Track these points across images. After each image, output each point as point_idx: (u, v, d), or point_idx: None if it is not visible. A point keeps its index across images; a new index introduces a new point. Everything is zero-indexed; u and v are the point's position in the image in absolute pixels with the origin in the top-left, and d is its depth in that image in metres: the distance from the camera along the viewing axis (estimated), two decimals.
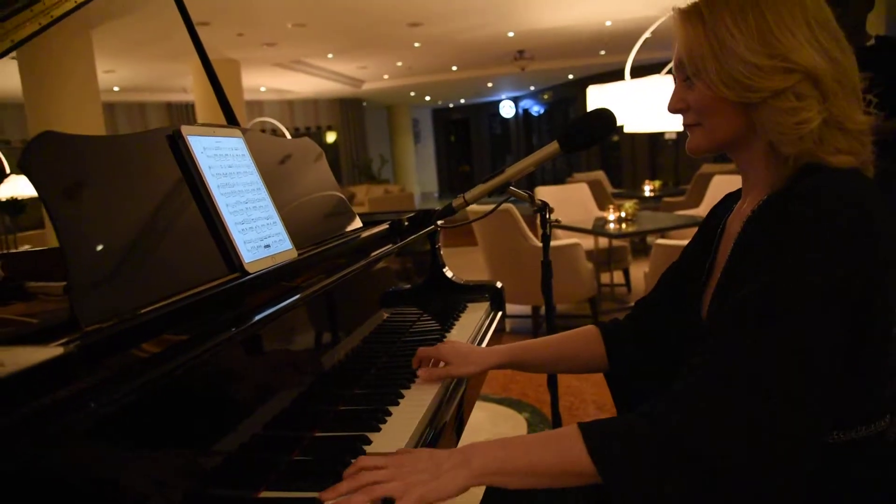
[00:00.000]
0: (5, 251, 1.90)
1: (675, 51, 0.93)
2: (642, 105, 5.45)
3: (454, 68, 12.53)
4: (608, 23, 8.73)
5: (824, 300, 0.73)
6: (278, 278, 1.13)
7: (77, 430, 0.60)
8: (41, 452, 0.55)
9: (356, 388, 1.25)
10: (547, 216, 1.71)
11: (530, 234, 4.28)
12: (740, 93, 0.84)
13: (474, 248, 4.63)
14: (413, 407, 1.14)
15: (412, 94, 15.64)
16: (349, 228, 1.59)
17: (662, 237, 4.60)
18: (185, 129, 1.09)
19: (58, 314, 1.20)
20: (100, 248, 0.84)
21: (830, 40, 0.84)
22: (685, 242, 1.18)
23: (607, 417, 0.83)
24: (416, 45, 9.52)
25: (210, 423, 0.83)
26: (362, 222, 1.68)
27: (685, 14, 0.90)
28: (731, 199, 1.06)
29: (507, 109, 18.52)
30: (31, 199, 6.91)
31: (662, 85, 5.52)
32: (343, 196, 1.66)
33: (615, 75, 11.52)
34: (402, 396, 1.18)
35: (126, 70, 9.63)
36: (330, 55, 10.04)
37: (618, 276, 5.59)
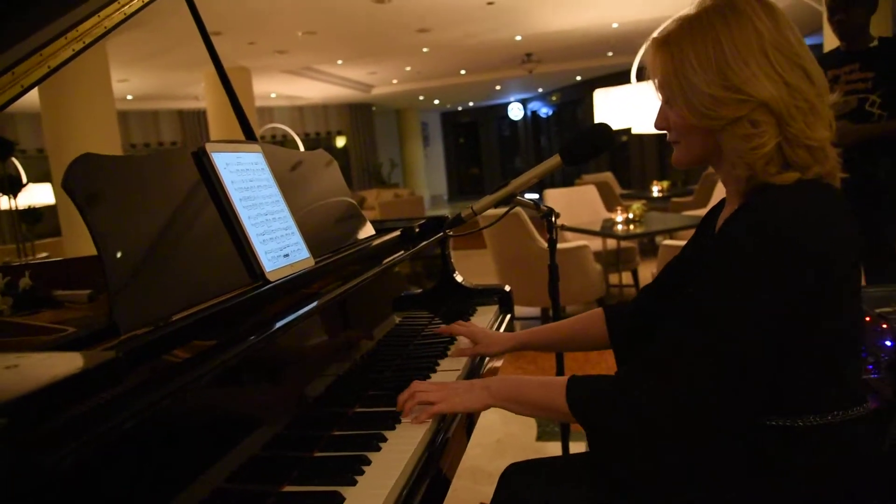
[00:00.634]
0: (25, 259, 1.97)
1: (652, 75, 1.03)
2: (648, 107, 5.49)
3: (462, 72, 12.61)
4: (615, 25, 8.77)
5: (749, 311, 0.86)
6: (298, 286, 1.19)
7: (127, 429, 0.66)
8: (100, 448, 0.61)
9: (371, 389, 1.31)
10: (553, 221, 1.77)
11: (538, 237, 4.34)
12: (702, 120, 0.94)
13: (483, 251, 4.69)
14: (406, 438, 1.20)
15: (421, 98, 15.73)
16: (362, 236, 1.65)
17: (670, 238, 4.63)
18: (209, 147, 1.16)
19: (89, 321, 1.28)
20: (135, 260, 0.91)
21: (789, 66, 0.91)
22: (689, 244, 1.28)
23: (586, 376, 1.03)
24: (425, 50, 9.60)
25: (240, 422, 0.89)
26: (374, 230, 1.74)
27: (657, 44, 1.00)
28: (723, 203, 1.14)
29: (515, 111, 18.58)
30: (48, 208, 7.05)
31: None
32: (356, 204, 1.73)
33: (622, 76, 11.57)
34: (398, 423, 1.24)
35: (139, 79, 9.78)
36: (339, 61, 10.14)
37: (626, 277, 5.62)
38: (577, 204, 5.89)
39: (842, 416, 0.92)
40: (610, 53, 11.31)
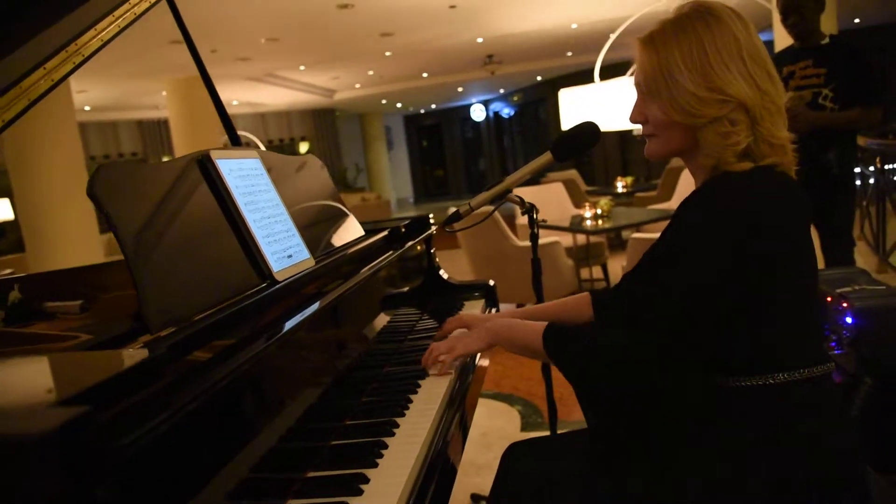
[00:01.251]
0: (12, 274, 1.97)
1: (635, 72, 1.10)
2: (611, 105, 5.65)
3: (425, 75, 12.67)
4: (574, 25, 8.95)
5: (699, 267, 0.97)
6: (303, 285, 1.24)
7: (185, 413, 0.71)
8: (161, 432, 0.66)
9: (374, 382, 1.37)
10: (535, 217, 1.85)
11: (511, 235, 4.43)
12: (685, 117, 1.02)
13: (457, 250, 4.77)
14: (430, 394, 1.27)
15: (384, 101, 15.74)
16: (354, 236, 1.70)
17: (638, 231, 4.77)
18: (213, 154, 1.20)
19: (97, 328, 1.30)
20: (157, 263, 0.95)
21: (760, 71, 1.01)
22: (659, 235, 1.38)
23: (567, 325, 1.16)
24: (388, 54, 9.64)
25: (260, 414, 0.94)
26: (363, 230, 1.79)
27: (643, 43, 1.07)
28: None
29: (477, 113, 18.72)
30: (8, 223, 6.88)
31: (629, 86, 5.72)
32: (345, 206, 1.78)
33: (582, 75, 11.80)
34: (419, 385, 1.30)
35: (98, 89, 9.59)
36: (302, 67, 10.11)
37: (597, 272, 5.76)
38: (546, 201, 6.00)
39: (806, 373, 1.01)
40: (569, 53, 11.51)
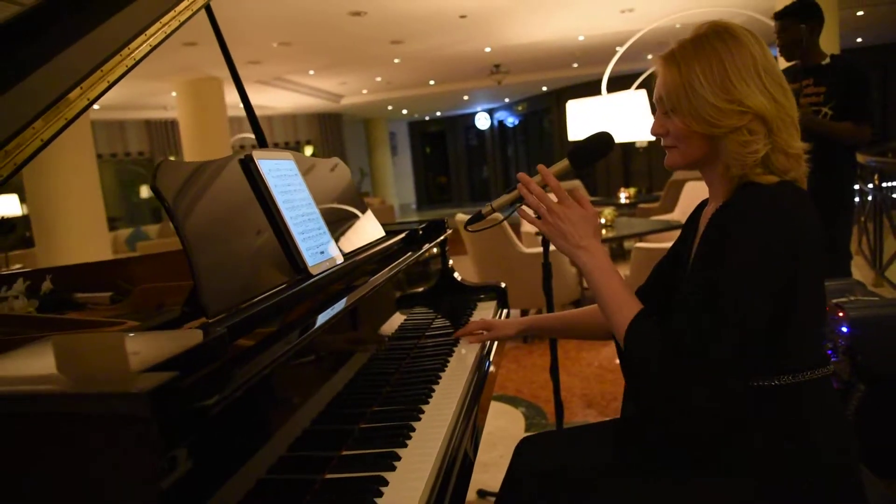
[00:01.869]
0: (22, 269, 2.05)
1: (657, 87, 1.17)
2: (617, 117, 5.75)
3: (432, 82, 12.80)
4: (581, 37, 9.07)
5: (748, 285, 1.00)
6: (334, 280, 1.33)
7: (241, 388, 0.79)
8: (232, 400, 0.75)
9: (396, 374, 1.45)
10: None
11: (517, 241, 4.52)
12: (706, 128, 1.08)
13: (464, 256, 4.85)
14: (454, 376, 1.35)
15: (390, 107, 15.87)
16: (376, 236, 1.79)
17: (641, 241, 4.86)
18: (255, 154, 1.29)
19: (146, 314, 1.39)
20: (212, 253, 1.04)
21: (775, 85, 1.08)
22: (663, 245, 1.44)
23: (653, 322, 1.12)
24: (396, 60, 9.76)
25: (301, 392, 1.02)
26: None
27: (664, 60, 1.14)
28: (704, 205, 1.30)
29: (482, 121, 18.85)
30: (19, 219, 6.97)
31: (635, 98, 5.83)
32: (367, 207, 1.87)
33: (587, 86, 11.94)
34: (437, 382, 1.39)
35: None
36: (311, 72, 10.23)
37: None
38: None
39: (810, 374, 1.08)
40: (575, 65, 11.64)
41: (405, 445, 1.07)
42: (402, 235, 1.94)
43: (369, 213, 1.86)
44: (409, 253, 1.78)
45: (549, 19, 7.72)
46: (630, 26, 7.68)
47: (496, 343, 1.69)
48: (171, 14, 1.46)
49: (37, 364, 0.76)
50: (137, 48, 1.35)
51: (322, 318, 1.11)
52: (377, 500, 0.91)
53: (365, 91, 13.13)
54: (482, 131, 19.28)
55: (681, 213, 6.17)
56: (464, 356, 1.55)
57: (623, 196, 8.25)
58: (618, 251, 7.17)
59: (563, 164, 1.33)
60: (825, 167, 2.96)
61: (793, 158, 1.09)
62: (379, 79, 11.67)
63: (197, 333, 0.84)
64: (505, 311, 2.09)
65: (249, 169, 1.28)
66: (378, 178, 17.86)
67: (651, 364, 1.06)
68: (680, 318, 1.05)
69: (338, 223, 1.58)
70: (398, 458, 1.02)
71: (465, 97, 15.69)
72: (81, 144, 6.11)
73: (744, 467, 1.07)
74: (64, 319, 1.32)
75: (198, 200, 1.07)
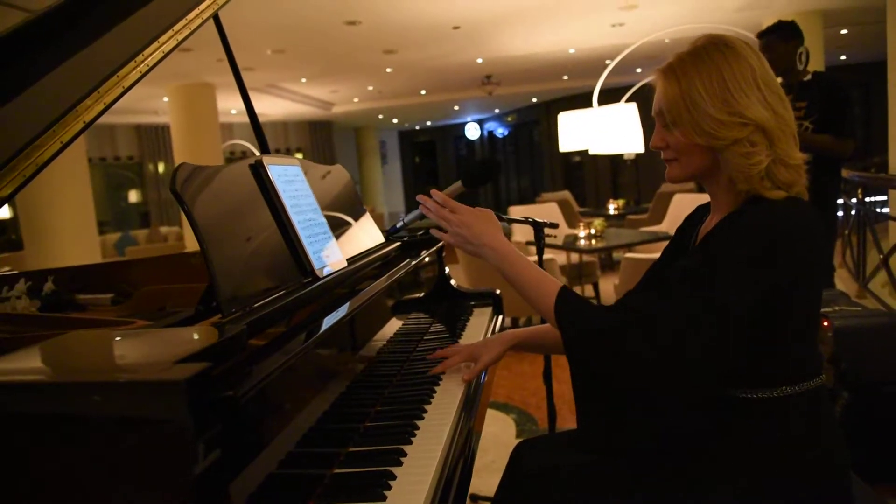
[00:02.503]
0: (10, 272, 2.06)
1: (656, 101, 1.17)
2: (607, 129, 5.84)
3: (423, 92, 12.88)
4: (571, 50, 9.19)
5: (740, 283, 1.01)
6: (339, 283, 1.37)
7: (266, 379, 0.83)
8: (256, 390, 0.78)
9: (395, 379, 1.48)
10: (542, 232, 2.02)
11: None
12: (708, 140, 1.08)
13: (454, 264, 4.89)
14: (449, 388, 1.39)
15: (380, 116, 15.93)
16: (376, 242, 1.83)
17: (630, 252, 4.93)
18: (265, 160, 1.33)
19: (148, 316, 1.41)
20: (227, 254, 1.07)
21: (774, 97, 1.10)
22: (652, 256, 1.45)
23: (583, 300, 1.16)
24: (388, 70, 9.82)
25: (310, 391, 1.06)
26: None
27: (664, 73, 1.14)
28: (702, 211, 1.31)
29: (472, 131, 18.96)
30: (8, 221, 6.92)
31: (624, 111, 5.92)
32: (368, 214, 1.91)
33: (577, 98, 12.08)
34: (434, 393, 1.42)
35: None
36: (304, 80, 10.27)
37: (588, 290, 5.91)
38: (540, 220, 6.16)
39: (806, 385, 1.09)
40: (565, 77, 11.78)
41: (410, 442, 1.10)
42: (399, 243, 1.98)
43: (369, 218, 1.90)
44: (407, 260, 1.82)
45: (541, 32, 7.83)
46: (620, 40, 7.80)
47: None
48: (183, 22, 1.50)
49: (66, 357, 0.79)
50: (151, 55, 1.39)
51: (332, 319, 1.14)
52: (386, 493, 0.94)
53: (356, 99, 13.18)
54: (472, 141, 19.39)
55: (669, 224, 6.26)
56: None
57: (612, 207, 8.35)
58: (606, 261, 7.25)
59: (456, 185, 1.41)
60: (808, 180, 3.06)
61: (793, 170, 1.09)
62: (371, 87, 11.74)
63: (216, 329, 0.88)
64: (500, 317, 2.13)
65: (259, 174, 1.32)
66: (368, 187, 17.89)
67: (592, 328, 1.09)
68: (663, 301, 1.06)
69: (341, 227, 1.62)
70: (404, 454, 1.05)
71: (456, 107, 15.79)
72: (73, 148, 6.02)
73: (734, 471, 1.09)
74: (74, 319, 1.35)
75: (214, 204, 1.11)
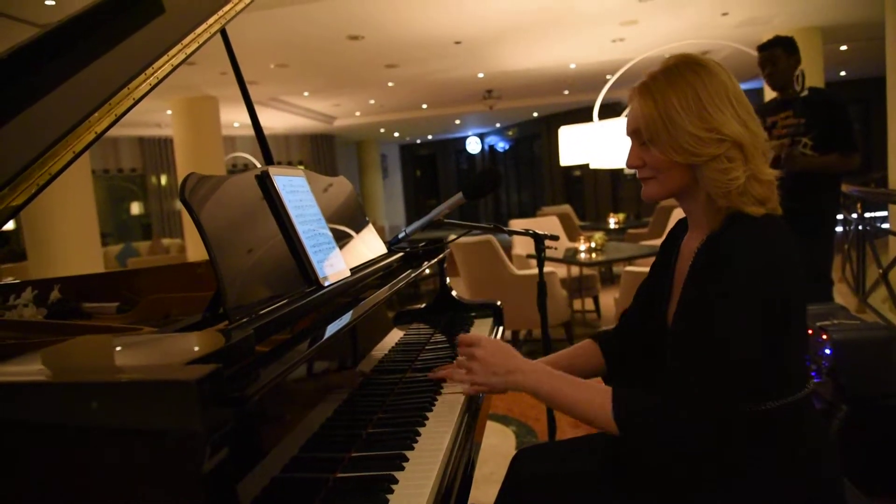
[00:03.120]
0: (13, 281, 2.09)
1: (631, 119, 1.18)
2: (608, 144, 5.88)
3: (424, 106, 12.97)
4: (572, 65, 9.26)
5: (742, 317, 1.02)
6: (342, 292, 1.39)
7: (276, 380, 0.85)
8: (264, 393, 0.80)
9: (399, 384, 1.50)
10: (542, 244, 2.05)
11: (510, 264, 4.59)
12: (686, 157, 1.09)
13: (455, 277, 4.91)
14: (448, 405, 1.41)
15: (382, 130, 16.02)
16: (379, 253, 1.85)
17: (630, 265, 4.95)
18: (271, 171, 1.35)
19: (155, 323, 1.43)
20: (234, 263, 1.09)
21: (746, 113, 1.11)
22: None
23: (629, 392, 1.11)
24: (390, 84, 9.90)
25: (315, 395, 1.08)
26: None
27: (639, 92, 1.14)
28: (683, 224, 1.32)
29: (473, 145, 19.05)
30: (11, 232, 6.96)
31: (624, 126, 5.98)
32: (371, 225, 1.93)
33: (578, 113, 12.15)
34: (435, 401, 1.44)
35: None
36: (306, 93, 10.35)
37: (588, 304, 5.92)
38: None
39: (798, 395, 1.11)
40: (566, 92, 11.86)
41: (412, 448, 1.12)
42: (401, 254, 2.01)
43: (372, 229, 1.92)
44: (409, 271, 1.84)
45: (542, 48, 7.90)
46: (621, 56, 7.88)
47: None
48: (192, 36, 1.54)
49: (76, 359, 0.81)
50: (160, 67, 1.42)
51: (336, 327, 1.16)
52: (389, 496, 0.96)
53: (358, 113, 13.27)
54: (472, 155, 19.48)
55: None
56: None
57: (612, 221, 8.38)
58: (607, 275, 7.27)
59: (458, 197, 1.43)
60: (807, 194, 3.08)
61: (766, 185, 1.10)
62: (372, 101, 11.82)
63: (223, 335, 0.90)
64: (500, 328, 2.15)
65: (265, 184, 1.34)
66: (369, 200, 17.96)
67: (657, 427, 1.05)
68: (675, 363, 1.06)
69: (344, 238, 1.64)
70: (406, 459, 1.07)
71: (457, 121, 15.88)
72: (77, 160, 6.14)
73: (727, 483, 1.10)
74: (80, 325, 1.37)
75: (222, 213, 1.13)
